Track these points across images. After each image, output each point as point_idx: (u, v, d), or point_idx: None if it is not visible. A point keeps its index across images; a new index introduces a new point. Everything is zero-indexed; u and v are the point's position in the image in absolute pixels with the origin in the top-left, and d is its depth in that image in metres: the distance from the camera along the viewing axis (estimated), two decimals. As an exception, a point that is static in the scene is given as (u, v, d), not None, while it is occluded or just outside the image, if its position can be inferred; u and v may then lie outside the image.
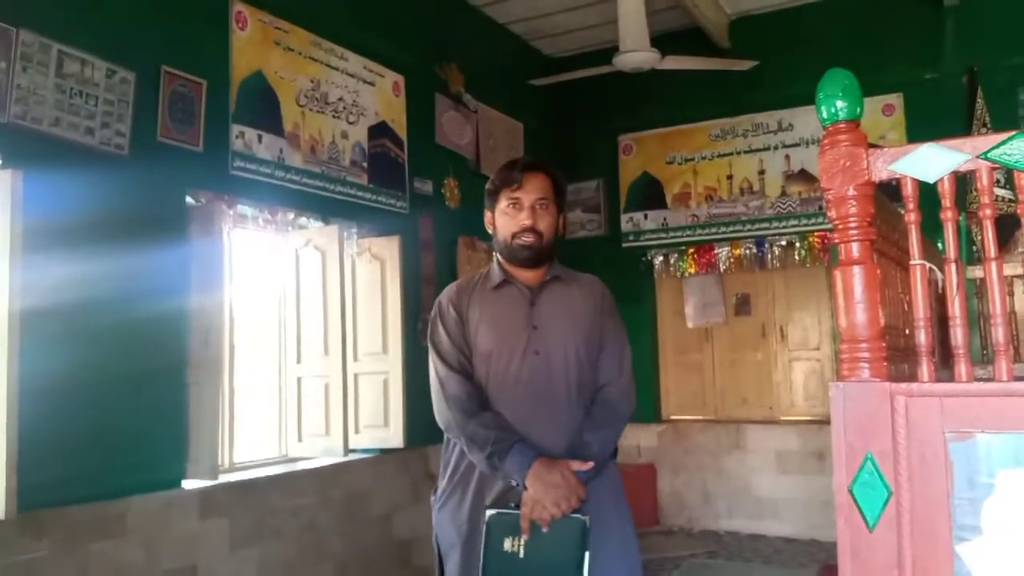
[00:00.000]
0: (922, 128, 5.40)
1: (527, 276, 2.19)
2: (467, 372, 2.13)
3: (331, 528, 4.26)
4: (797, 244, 6.17)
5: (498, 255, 2.25)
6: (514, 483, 1.98)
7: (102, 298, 3.24)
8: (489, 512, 1.98)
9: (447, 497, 2.14)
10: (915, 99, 5.75)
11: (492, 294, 2.18)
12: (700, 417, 6.57)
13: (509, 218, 2.16)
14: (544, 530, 1.93)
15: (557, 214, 2.21)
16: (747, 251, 6.34)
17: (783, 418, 6.33)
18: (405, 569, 4.73)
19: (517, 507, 1.96)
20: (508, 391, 2.08)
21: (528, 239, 2.13)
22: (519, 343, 2.11)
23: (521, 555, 1.93)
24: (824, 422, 5.79)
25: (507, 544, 1.94)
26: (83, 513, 3.12)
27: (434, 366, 2.17)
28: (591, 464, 1.99)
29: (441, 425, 2.15)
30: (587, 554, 1.90)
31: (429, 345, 2.21)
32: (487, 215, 2.25)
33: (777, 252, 6.24)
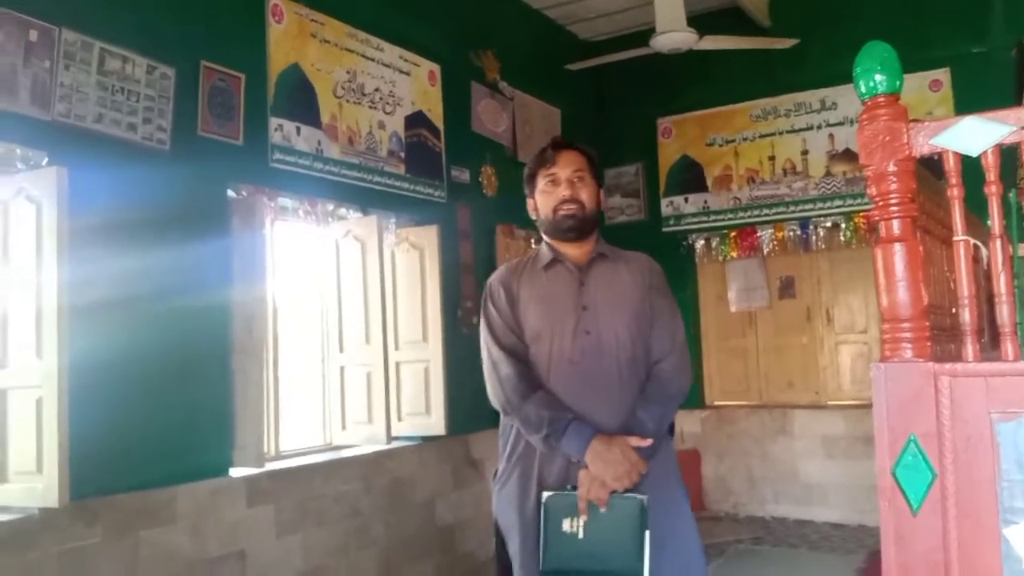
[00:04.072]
0: (970, 103, 5.21)
1: (575, 253, 2.20)
2: (519, 352, 2.13)
3: (375, 514, 4.31)
4: (842, 225, 6.03)
5: (545, 236, 2.26)
6: (574, 460, 1.98)
7: (147, 290, 3.30)
8: (546, 494, 1.98)
9: (506, 479, 2.15)
10: (963, 74, 5.58)
11: (542, 274, 2.20)
12: (745, 403, 6.49)
13: (548, 195, 2.20)
14: (602, 510, 1.92)
15: (596, 186, 2.24)
16: (791, 233, 6.21)
17: (830, 403, 6.23)
18: (448, 555, 4.77)
19: (574, 488, 1.96)
20: (560, 371, 2.09)
21: (571, 208, 2.16)
22: (569, 324, 2.12)
23: (580, 535, 1.93)
24: (872, 406, 5.70)
25: (566, 525, 1.94)
26: (133, 501, 3.20)
27: (486, 347, 2.18)
28: (649, 441, 1.99)
29: (496, 406, 2.15)
30: (647, 533, 1.90)
31: (482, 326, 2.22)
32: (529, 202, 2.29)
33: (822, 234, 6.11)
